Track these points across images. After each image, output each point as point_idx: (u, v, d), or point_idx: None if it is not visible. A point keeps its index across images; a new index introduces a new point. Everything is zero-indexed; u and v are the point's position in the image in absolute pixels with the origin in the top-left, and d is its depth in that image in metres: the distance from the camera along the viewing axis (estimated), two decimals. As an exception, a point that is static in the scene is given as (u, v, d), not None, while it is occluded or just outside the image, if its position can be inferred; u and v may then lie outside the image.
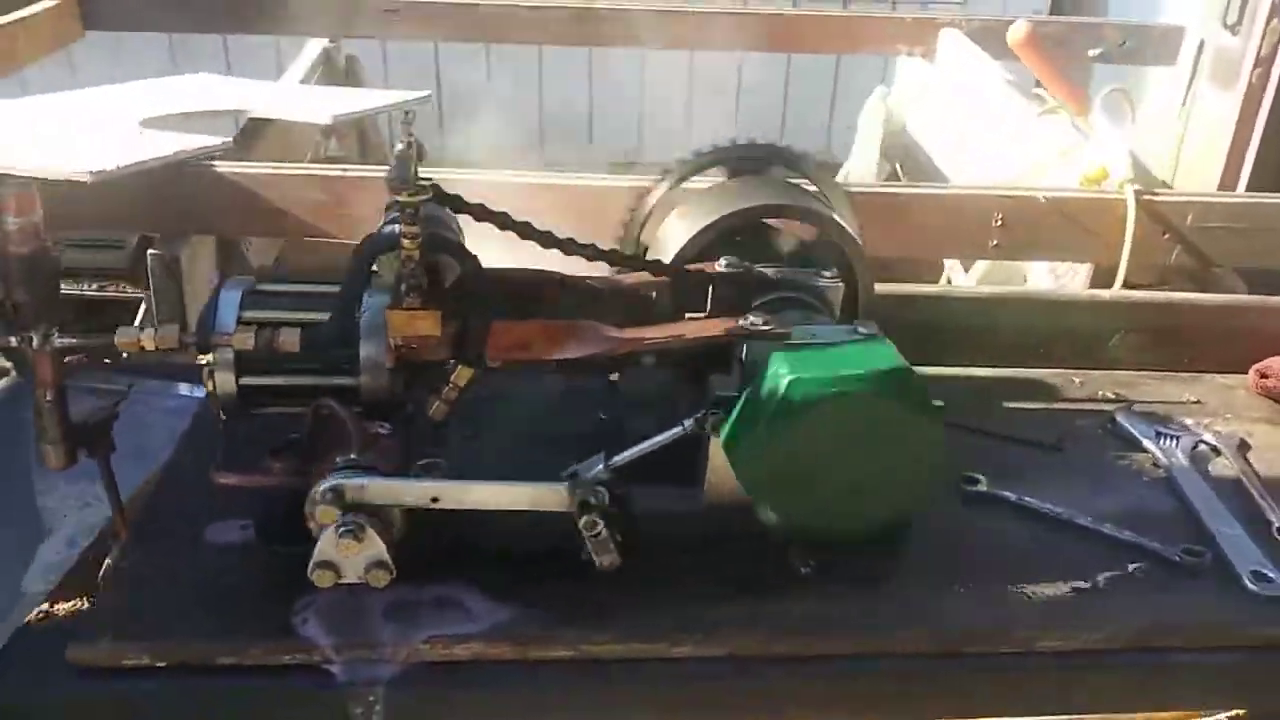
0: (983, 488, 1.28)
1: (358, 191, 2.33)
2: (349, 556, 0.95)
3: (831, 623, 1.05)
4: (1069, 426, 1.46)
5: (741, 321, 1.05)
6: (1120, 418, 1.46)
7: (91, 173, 2.10)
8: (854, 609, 1.07)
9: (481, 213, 1.05)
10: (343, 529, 0.93)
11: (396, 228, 0.95)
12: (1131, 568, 1.16)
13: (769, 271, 1.20)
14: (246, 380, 1.01)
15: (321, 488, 0.94)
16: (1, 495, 1.20)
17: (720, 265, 1.18)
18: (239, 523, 1.08)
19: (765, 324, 1.05)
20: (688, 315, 1.19)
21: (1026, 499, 1.27)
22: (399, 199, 0.91)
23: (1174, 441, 1.41)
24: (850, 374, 0.98)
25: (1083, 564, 1.17)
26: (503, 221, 1.05)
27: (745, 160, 1.34)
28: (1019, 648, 1.06)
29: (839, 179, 4.11)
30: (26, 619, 0.98)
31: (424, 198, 0.92)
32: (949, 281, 3.09)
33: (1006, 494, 1.28)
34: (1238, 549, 1.20)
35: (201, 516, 1.10)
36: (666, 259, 1.24)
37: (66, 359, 0.96)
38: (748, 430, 0.98)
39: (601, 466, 1.04)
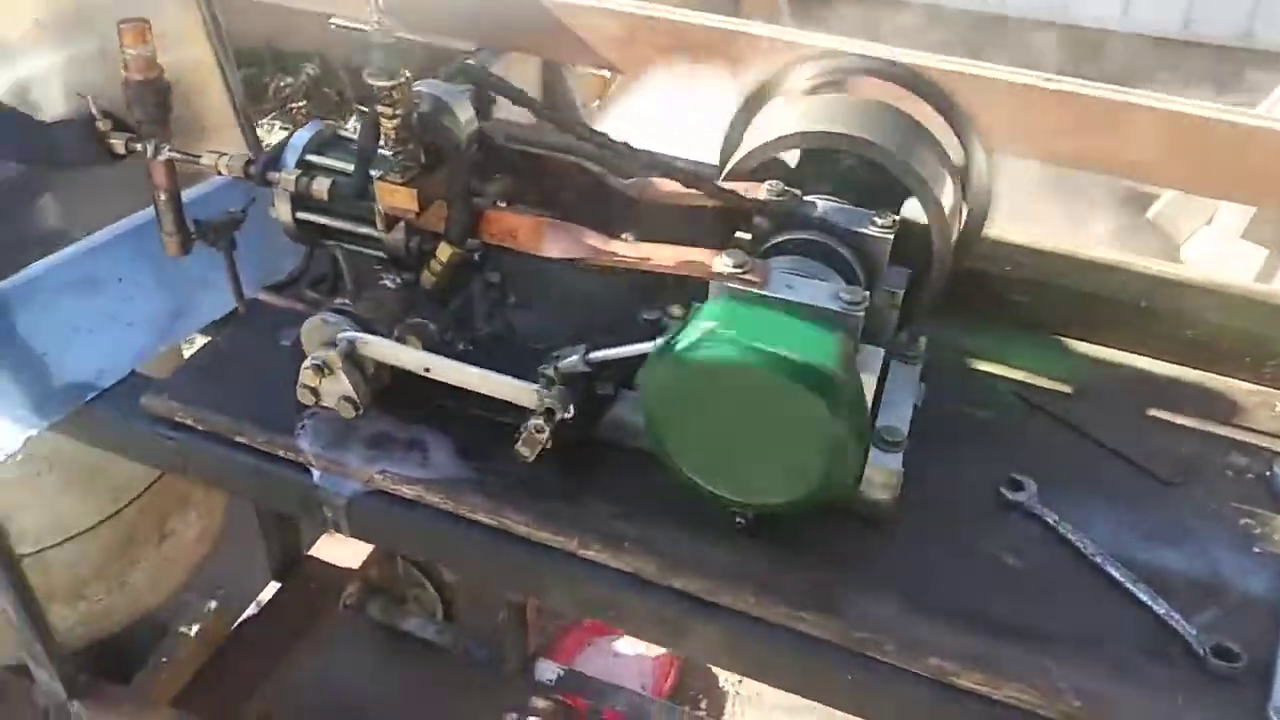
0: (1023, 497, 1.13)
1: (646, 31, 2.40)
2: (323, 385, 1.10)
3: (735, 576, 1.03)
4: (1214, 459, 1.21)
5: (715, 260, 1.00)
6: (1281, 467, 1.18)
7: (413, -15, 2.36)
8: (765, 572, 1.03)
9: (512, 95, 1.09)
10: (312, 362, 1.08)
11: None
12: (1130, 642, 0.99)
13: (819, 205, 1.11)
14: (300, 215, 1.17)
15: (307, 321, 1.09)
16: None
17: (762, 190, 1.11)
18: (300, 330, 1.27)
19: (738, 267, 0.99)
20: (738, 231, 1.15)
21: (1065, 525, 1.10)
22: (375, 84, 0.98)
23: (1334, 515, 1.12)
24: (750, 346, 0.90)
25: (1073, 617, 1.01)
26: (532, 105, 1.08)
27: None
28: (928, 672, 0.97)
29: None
30: (133, 368, 1.27)
31: (395, 83, 0.97)
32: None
33: (1047, 513, 1.12)
34: (1298, 668, 0.97)
35: (292, 319, 1.30)
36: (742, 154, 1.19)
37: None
38: (658, 361, 0.96)
39: (577, 358, 1.08)
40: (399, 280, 1.15)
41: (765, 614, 1.02)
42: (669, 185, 1.14)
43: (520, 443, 1.05)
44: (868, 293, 1.00)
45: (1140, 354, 1.36)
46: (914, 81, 1.19)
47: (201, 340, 1.36)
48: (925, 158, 1.14)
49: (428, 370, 1.08)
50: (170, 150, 1.17)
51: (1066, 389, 1.31)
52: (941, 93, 1.19)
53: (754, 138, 1.18)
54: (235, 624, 2.20)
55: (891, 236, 1.09)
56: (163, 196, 1.20)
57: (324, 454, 1.15)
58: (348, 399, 1.10)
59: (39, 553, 1.68)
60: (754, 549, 1.06)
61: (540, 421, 1.02)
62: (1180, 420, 1.27)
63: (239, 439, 1.18)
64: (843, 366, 0.90)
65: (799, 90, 1.24)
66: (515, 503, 1.09)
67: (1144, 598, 1.03)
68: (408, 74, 0.98)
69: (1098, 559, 1.07)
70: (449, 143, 1.05)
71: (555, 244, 1.07)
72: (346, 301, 1.11)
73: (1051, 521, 1.11)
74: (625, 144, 1.17)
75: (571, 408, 1.04)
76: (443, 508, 1.11)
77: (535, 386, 1.04)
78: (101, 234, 1.49)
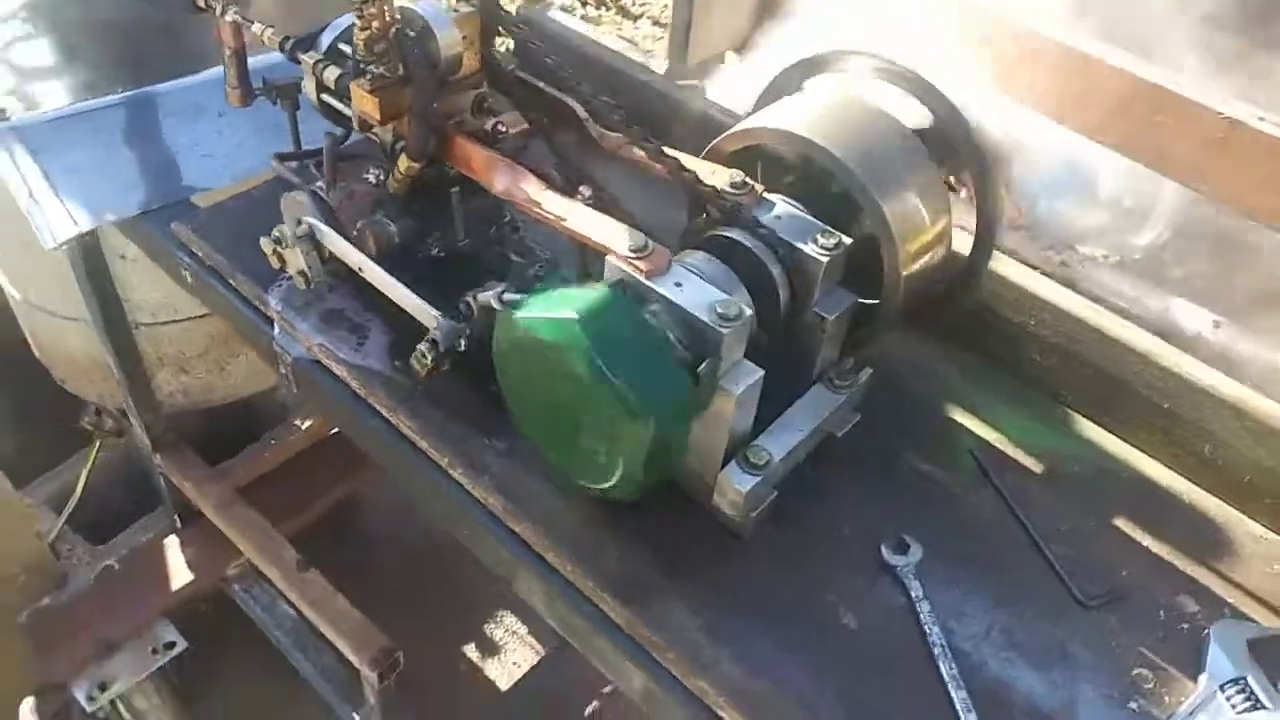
0: (900, 562, 1.06)
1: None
2: (285, 255, 1.20)
3: (565, 540, 1.05)
4: (1157, 594, 1.07)
5: (617, 240, 0.99)
6: (1220, 630, 1.02)
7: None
8: (593, 545, 1.04)
9: (510, 24, 1.11)
10: (273, 234, 1.18)
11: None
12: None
13: (773, 208, 1.06)
14: (323, 96, 1.25)
15: (285, 195, 1.19)
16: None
17: (723, 180, 1.07)
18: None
19: (634, 250, 0.98)
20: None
21: (925, 604, 1.03)
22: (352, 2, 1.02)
23: (1248, 700, 0.97)
24: (556, 339, 0.90)
25: (875, 700, 0.96)
26: (527, 37, 1.10)
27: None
28: (695, 691, 0.97)
29: None
30: (190, 198, 1.43)
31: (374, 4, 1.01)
32: None
33: (915, 586, 1.05)
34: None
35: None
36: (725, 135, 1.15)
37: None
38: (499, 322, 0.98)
39: (493, 295, 1.11)
40: (381, 178, 1.21)
41: (577, 583, 1.04)
42: (639, 152, 1.12)
43: (413, 357, 1.11)
44: (750, 312, 0.95)
45: (1148, 455, 1.20)
46: (929, 99, 1.09)
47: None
48: (904, 179, 1.05)
49: (360, 270, 1.15)
50: (235, 13, 1.28)
51: (1037, 467, 1.19)
52: (960, 118, 1.08)
53: (749, 119, 1.13)
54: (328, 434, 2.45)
55: (828, 258, 1.02)
56: (227, 53, 1.32)
57: (284, 314, 1.26)
58: (301, 273, 1.20)
59: (153, 325, 1.95)
60: (601, 522, 1.07)
61: (425, 347, 1.07)
62: (1146, 540, 1.12)
63: (230, 280, 1.32)
64: (611, 341, 0.88)
65: (821, 81, 1.16)
66: (411, 407, 1.16)
67: (958, 705, 0.95)
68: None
69: (936, 649, 0.99)
70: (420, 61, 1.08)
71: (499, 181, 1.09)
72: (323, 186, 1.19)
73: (914, 595, 1.04)
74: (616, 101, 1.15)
75: (463, 342, 1.08)
76: (358, 392, 1.20)
77: (435, 312, 1.08)
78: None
